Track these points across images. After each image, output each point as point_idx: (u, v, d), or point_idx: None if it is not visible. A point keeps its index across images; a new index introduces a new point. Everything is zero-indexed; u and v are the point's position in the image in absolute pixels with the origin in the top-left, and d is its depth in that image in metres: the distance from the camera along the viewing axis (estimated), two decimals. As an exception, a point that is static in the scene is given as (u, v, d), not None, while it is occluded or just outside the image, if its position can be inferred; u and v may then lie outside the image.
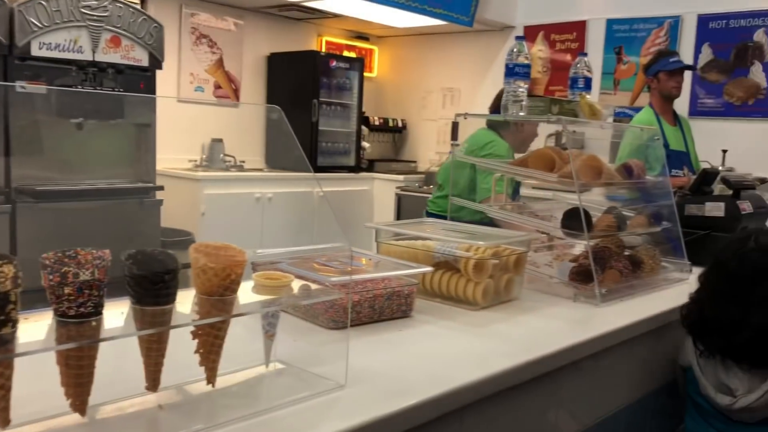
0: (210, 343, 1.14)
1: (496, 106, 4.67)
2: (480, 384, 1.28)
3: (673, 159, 3.87)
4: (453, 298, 1.81)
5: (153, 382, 1.06)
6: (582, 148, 5.57)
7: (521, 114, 2.12)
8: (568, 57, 5.82)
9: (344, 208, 5.95)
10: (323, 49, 6.67)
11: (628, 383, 1.87)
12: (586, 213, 2.00)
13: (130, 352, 1.04)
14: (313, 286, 1.34)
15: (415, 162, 6.94)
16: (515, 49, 2.08)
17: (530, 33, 6.13)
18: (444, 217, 2.53)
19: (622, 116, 5.22)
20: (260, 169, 5.93)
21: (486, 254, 1.79)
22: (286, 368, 1.27)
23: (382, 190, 6.22)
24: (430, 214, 3.33)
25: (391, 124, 6.89)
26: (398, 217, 5.97)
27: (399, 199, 6.02)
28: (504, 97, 2.12)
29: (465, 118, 2.22)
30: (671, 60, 3.94)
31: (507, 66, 2.10)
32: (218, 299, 1.10)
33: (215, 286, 1.10)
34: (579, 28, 5.84)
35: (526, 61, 2.08)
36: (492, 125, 3.37)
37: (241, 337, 1.29)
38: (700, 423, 1.85)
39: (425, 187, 5.95)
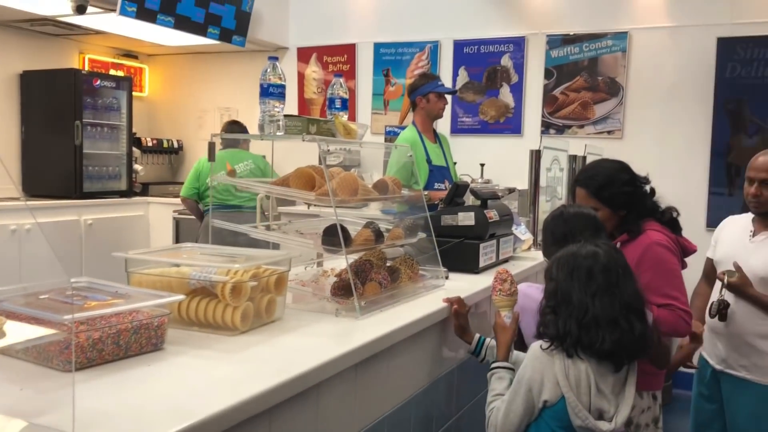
0: None
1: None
2: (228, 412, 1.24)
3: (435, 173, 4.14)
4: (211, 325, 1.75)
5: None
6: (359, 167, 5.79)
7: (279, 133, 2.12)
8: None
9: (116, 235, 5.57)
10: (86, 67, 6.22)
11: (391, 390, 1.93)
12: (344, 228, 2.05)
13: None
14: (42, 329, 1.22)
15: (194, 184, 6.71)
16: (268, 70, 2.09)
17: (303, 54, 6.25)
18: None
19: (392, 134, 5.51)
20: (15, 198, 5.34)
21: (244, 277, 1.76)
22: (2, 422, 1.13)
23: (158, 215, 5.93)
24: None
25: (165, 144, 6.60)
26: (177, 242, 5.71)
27: (177, 223, 5.77)
28: (260, 117, 2.12)
29: (221, 139, 2.18)
30: (439, 83, 4.23)
31: (261, 86, 2.10)
32: None
33: None
34: (349, 50, 6.07)
35: (279, 81, 2.09)
36: None
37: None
38: None
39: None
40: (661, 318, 2.17)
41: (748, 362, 2.61)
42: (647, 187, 2.46)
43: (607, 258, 1.78)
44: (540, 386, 1.73)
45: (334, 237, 2.03)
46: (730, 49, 4.78)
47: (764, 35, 4.70)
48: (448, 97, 4.42)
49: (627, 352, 1.73)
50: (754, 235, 2.67)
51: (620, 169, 2.44)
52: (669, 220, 2.41)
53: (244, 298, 1.74)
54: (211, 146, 2.22)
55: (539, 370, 1.74)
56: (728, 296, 2.62)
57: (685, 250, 2.42)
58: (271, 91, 2.08)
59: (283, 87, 2.11)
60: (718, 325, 2.67)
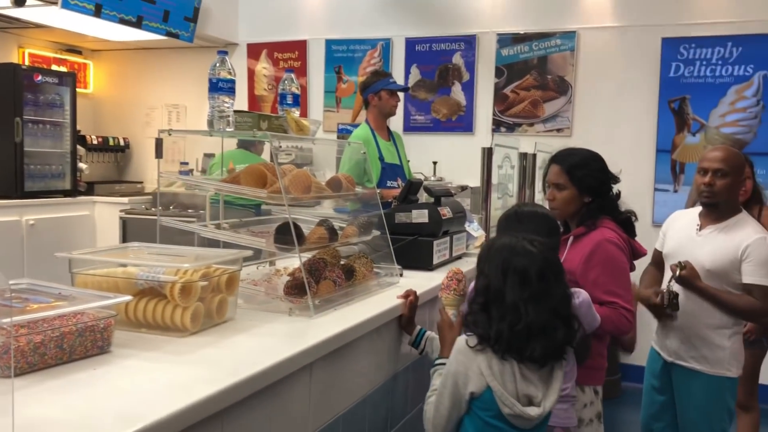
0: None
1: None
2: (178, 416, 1.20)
3: (388, 171, 4.13)
4: (160, 326, 1.70)
5: None
6: (311, 164, 5.75)
7: (228, 129, 2.08)
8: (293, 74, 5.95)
9: (60, 236, 5.39)
10: (26, 62, 6.01)
11: (346, 389, 1.91)
12: (297, 227, 2.02)
13: None
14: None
15: (141, 183, 6.56)
16: (217, 64, 2.04)
17: (253, 51, 6.17)
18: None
19: (344, 132, 5.48)
20: (-49, 198, 5.13)
21: (193, 276, 1.71)
22: (-65, 433, 1.07)
23: (104, 215, 5.77)
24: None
25: (111, 143, 6.43)
26: (124, 243, 5.56)
27: (124, 223, 5.63)
28: (209, 112, 2.07)
29: (169, 134, 2.12)
30: (391, 80, 4.22)
31: (210, 80, 2.05)
32: None
33: None
34: (300, 47, 6.01)
35: (229, 76, 2.05)
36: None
37: None
38: None
39: (153, 209, 5.64)
40: (603, 316, 2.21)
41: (698, 354, 2.69)
42: (615, 189, 2.52)
43: (542, 261, 1.73)
44: (465, 379, 1.71)
45: (287, 235, 1.99)
46: (674, 49, 4.91)
47: (706, 35, 4.84)
48: (401, 95, 4.42)
49: (553, 356, 1.73)
50: (700, 229, 2.75)
51: (596, 157, 2.53)
52: (625, 220, 2.45)
53: (194, 298, 1.70)
54: (158, 142, 2.16)
55: (463, 363, 1.72)
56: (677, 288, 2.70)
57: (636, 252, 2.48)
58: (221, 86, 2.03)
59: (232, 82, 2.06)
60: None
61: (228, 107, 2.06)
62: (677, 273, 2.64)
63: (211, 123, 2.06)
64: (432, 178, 5.19)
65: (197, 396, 1.27)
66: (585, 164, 2.46)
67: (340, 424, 1.86)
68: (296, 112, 2.35)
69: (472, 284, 2.16)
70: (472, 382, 1.70)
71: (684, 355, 2.73)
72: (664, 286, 2.77)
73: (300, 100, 2.40)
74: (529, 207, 2.44)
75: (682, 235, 2.81)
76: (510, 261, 1.73)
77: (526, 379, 1.70)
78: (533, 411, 1.69)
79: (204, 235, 2.19)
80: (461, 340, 1.76)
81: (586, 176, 2.44)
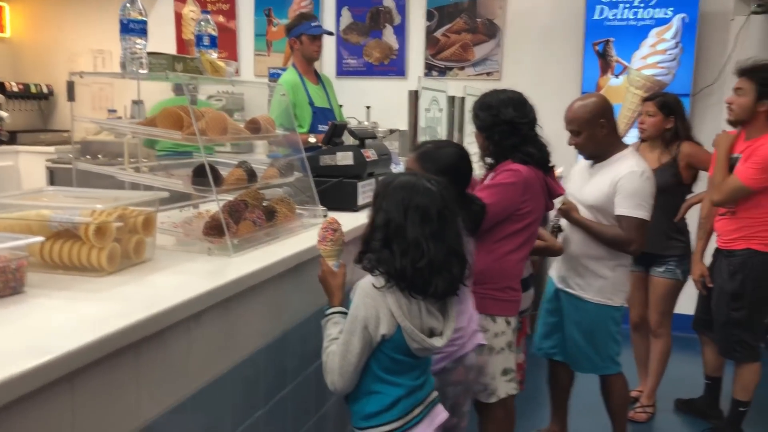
0: None
1: None
2: (90, 347, 1.25)
3: (319, 115, 4.15)
4: (76, 267, 1.72)
5: None
6: (242, 109, 5.68)
7: (142, 72, 2.06)
8: (221, 18, 5.83)
9: (-16, 187, 5.24)
10: (-65, 5, 5.70)
11: (266, 324, 1.98)
12: (214, 168, 2.04)
13: None
14: None
15: (68, 131, 6.37)
16: (127, 5, 2.00)
17: (180, -7, 5.99)
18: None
19: (275, 76, 5.41)
20: None
21: (108, 218, 1.73)
22: None
23: (29, 165, 5.61)
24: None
25: (33, 90, 6.20)
26: (52, 192, 5.44)
27: (51, 173, 5.49)
28: (122, 54, 2.04)
29: (81, 77, 2.09)
30: (313, 24, 4.18)
31: (121, 22, 2.01)
32: None
33: None
34: (229, -12, 5.87)
35: (140, 17, 2.02)
36: None
37: None
38: (394, 385, 1.81)
39: (83, 158, 5.51)
40: None
41: (583, 282, 2.90)
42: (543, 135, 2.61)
43: (441, 200, 1.77)
44: (376, 322, 1.74)
45: (203, 177, 2.01)
46: (598, -8, 5.00)
47: (629, -21, 4.94)
48: (332, 37, 4.38)
49: (450, 291, 1.81)
50: (592, 167, 2.95)
51: (498, 98, 2.57)
52: (522, 161, 2.51)
53: (109, 239, 1.71)
54: (70, 85, 2.13)
55: (373, 306, 1.74)
56: (563, 222, 2.95)
57: (552, 191, 2.60)
58: (132, 27, 2.01)
59: (144, 22, 2.03)
60: None
61: (140, 48, 2.04)
62: (560, 206, 2.88)
63: (123, 65, 2.03)
64: (366, 123, 5.21)
65: (110, 329, 1.31)
66: (483, 105, 2.58)
67: (262, 357, 1.94)
68: (214, 54, 2.34)
69: None
70: (383, 324, 1.74)
71: (571, 283, 2.96)
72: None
73: (218, 41, 2.38)
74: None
75: (579, 175, 3.04)
76: (411, 198, 1.76)
77: (430, 313, 1.79)
78: (438, 342, 1.79)
79: (120, 178, 2.19)
80: (367, 283, 1.77)
81: (484, 117, 2.57)
